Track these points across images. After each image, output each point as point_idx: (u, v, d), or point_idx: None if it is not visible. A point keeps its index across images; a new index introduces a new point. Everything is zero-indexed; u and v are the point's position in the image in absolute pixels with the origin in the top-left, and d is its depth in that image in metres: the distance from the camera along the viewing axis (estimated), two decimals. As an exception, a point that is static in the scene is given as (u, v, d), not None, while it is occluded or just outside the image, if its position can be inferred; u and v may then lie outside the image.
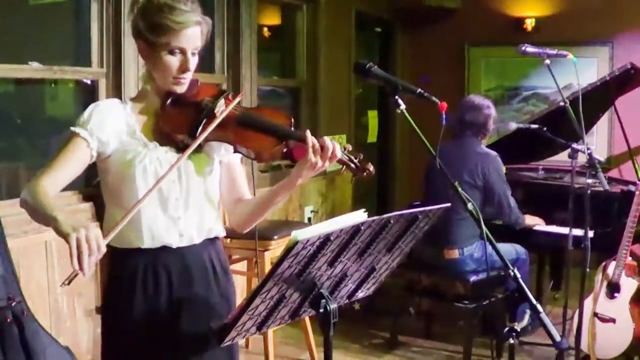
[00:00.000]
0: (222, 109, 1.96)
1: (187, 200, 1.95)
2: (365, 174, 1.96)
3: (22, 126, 3.73)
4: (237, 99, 1.99)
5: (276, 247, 3.97)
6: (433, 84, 6.32)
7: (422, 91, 2.00)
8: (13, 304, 2.80)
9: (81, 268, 1.58)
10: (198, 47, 1.97)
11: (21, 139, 3.71)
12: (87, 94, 3.81)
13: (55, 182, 1.85)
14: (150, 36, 1.90)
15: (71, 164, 1.89)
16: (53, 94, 3.92)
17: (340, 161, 1.95)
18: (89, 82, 3.78)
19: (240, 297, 4.53)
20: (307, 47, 5.71)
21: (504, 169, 4.21)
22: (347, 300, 1.94)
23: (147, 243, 1.94)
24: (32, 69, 3.47)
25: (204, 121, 1.94)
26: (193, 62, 1.96)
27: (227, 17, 4.77)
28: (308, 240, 1.57)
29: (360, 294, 1.97)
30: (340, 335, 4.36)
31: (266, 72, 5.43)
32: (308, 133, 1.90)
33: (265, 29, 5.71)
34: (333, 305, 1.76)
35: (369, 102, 6.91)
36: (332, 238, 1.62)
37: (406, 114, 2.01)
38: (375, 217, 1.69)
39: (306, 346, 4.12)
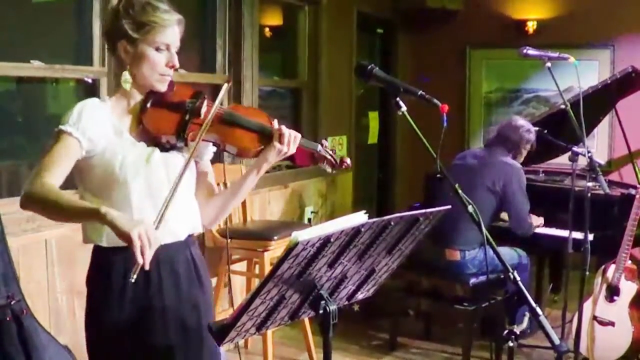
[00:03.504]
0: (206, 110, 2.00)
1: (177, 197, 1.95)
2: (343, 166, 2.14)
3: (23, 124, 3.73)
4: (219, 98, 2.01)
5: (276, 248, 3.97)
6: (434, 85, 6.32)
7: (424, 93, 2.00)
8: (12, 303, 2.79)
9: (144, 260, 1.71)
10: (178, 46, 2.02)
11: (22, 137, 3.71)
12: (89, 93, 3.81)
13: (55, 182, 1.86)
14: (136, 34, 1.94)
15: (66, 164, 1.90)
16: (54, 93, 3.92)
17: (319, 156, 2.13)
18: (90, 80, 3.78)
19: (240, 297, 4.55)
20: (309, 48, 5.71)
21: (525, 182, 4.25)
22: (346, 302, 1.94)
23: None
24: (34, 68, 3.47)
25: (191, 121, 1.98)
26: (177, 59, 2.01)
27: (228, 17, 4.76)
28: (308, 242, 1.57)
29: (360, 296, 1.97)
30: (340, 336, 4.37)
31: (267, 73, 5.43)
32: (275, 123, 2.06)
33: (267, 29, 5.70)
34: (333, 307, 1.76)
35: (369, 103, 6.91)
36: (332, 239, 1.62)
37: (407, 116, 2.01)
38: (375, 219, 1.69)
39: (305, 347, 4.12)
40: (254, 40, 4.90)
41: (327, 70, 5.76)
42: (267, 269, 3.92)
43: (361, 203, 6.39)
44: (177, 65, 2.01)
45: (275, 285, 1.65)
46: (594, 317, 3.88)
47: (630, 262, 3.89)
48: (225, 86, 2.05)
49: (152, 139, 1.99)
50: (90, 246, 2.03)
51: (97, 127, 1.93)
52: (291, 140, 2.04)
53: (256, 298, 1.64)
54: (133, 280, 1.75)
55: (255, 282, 4.29)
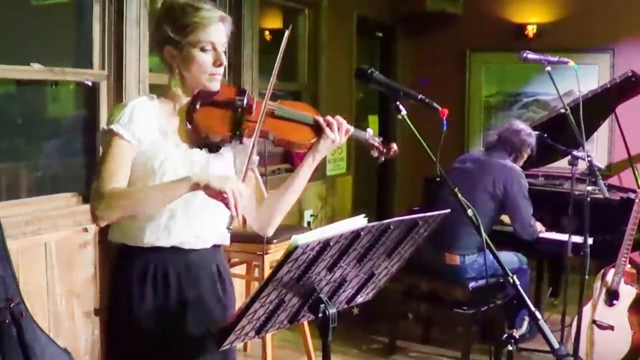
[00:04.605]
0: (256, 105, 1.99)
1: (209, 203, 1.90)
2: (391, 152, 2.18)
3: (22, 127, 3.72)
4: (268, 94, 1.99)
5: (275, 251, 3.97)
6: (434, 89, 6.32)
7: (424, 97, 2.00)
8: (12, 305, 2.79)
9: (237, 212, 1.78)
10: (225, 44, 2.01)
11: (22, 140, 3.70)
12: (88, 96, 3.82)
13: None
14: (179, 37, 1.94)
15: (125, 169, 1.90)
16: (54, 95, 3.92)
17: (368, 144, 2.16)
18: (90, 83, 3.78)
19: (239, 300, 4.54)
20: (309, 51, 5.72)
21: (527, 184, 4.24)
22: (346, 305, 1.94)
23: (162, 241, 1.95)
24: (34, 70, 3.47)
25: (244, 118, 1.97)
26: (224, 57, 2.00)
27: (228, 21, 4.77)
28: (308, 245, 1.57)
29: (359, 299, 1.97)
30: (339, 339, 4.36)
31: (267, 76, 5.41)
32: (328, 117, 2.06)
33: (267, 32, 5.71)
34: (332, 310, 1.76)
35: (369, 107, 6.91)
36: (331, 243, 1.61)
37: (407, 120, 2.01)
38: (375, 223, 1.68)
39: (305, 350, 4.11)
40: (253, 44, 4.91)
41: (327, 73, 5.77)
42: (267, 272, 3.91)
43: (361, 206, 6.39)
44: (225, 62, 2.00)
45: (275, 289, 1.65)
46: (593, 321, 3.88)
47: (629, 266, 3.89)
48: (286, 33, 2.04)
49: (202, 139, 1.97)
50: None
51: (145, 127, 1.93)
52: (342, 129, 2.05)
53: (255, 301, 1.64)
54: (228, 230, 1.85)
55: (255, 286, 4.29)
